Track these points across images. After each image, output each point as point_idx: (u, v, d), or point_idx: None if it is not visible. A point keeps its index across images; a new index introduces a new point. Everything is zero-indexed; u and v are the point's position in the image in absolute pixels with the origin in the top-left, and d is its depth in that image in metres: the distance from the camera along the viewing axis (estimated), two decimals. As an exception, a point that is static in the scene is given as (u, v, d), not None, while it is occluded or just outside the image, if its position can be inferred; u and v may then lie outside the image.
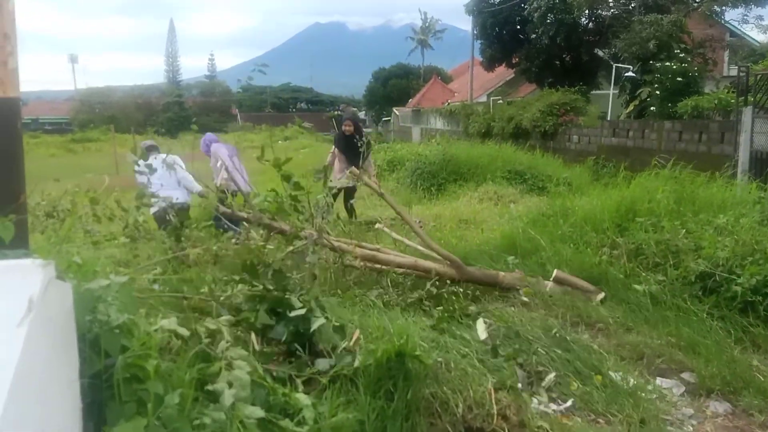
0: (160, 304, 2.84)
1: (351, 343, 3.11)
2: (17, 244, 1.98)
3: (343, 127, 8.78)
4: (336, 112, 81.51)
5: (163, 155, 6.09)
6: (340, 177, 8.64)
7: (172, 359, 2.34)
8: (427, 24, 74.10)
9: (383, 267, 5.03)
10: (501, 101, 28.17)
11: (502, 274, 4.98)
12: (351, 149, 8.41)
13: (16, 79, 1.92)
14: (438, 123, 35.63)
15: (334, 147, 9.13)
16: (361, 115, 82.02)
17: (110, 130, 30.42)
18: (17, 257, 1.82)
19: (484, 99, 33.18)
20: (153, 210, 5.79)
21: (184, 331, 2.54)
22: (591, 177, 12.71)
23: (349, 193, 8.77)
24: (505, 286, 4.88)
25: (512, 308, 4.59)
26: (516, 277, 4.92)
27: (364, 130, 9.21)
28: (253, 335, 3.22)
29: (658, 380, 3.73)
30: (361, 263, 4.96)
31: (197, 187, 7.04)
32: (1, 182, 1.93)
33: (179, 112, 69.28)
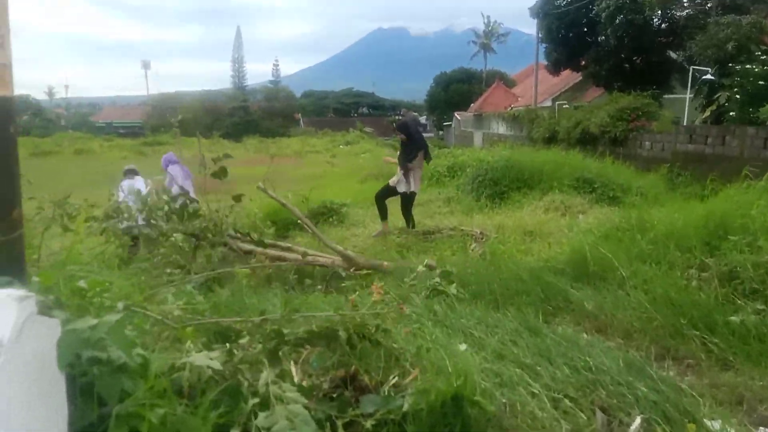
0: (186, 331, 2.52)
1: (406, 382, 2.73)
2: (10, 266, 1.69)
3: (398, 137, 8.64)
4: (396, 117, 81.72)
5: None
6: (396, 180, 8.43)
7: (192, 405, 2.01)
8: (489, 28, 73.01)
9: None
10: (567, 106, 27.22)
11: (386, 263, 5.72)
12: (404, 154, 8.38)
13: (8, 76, 1.64)
14: (500, 128, 34.83)
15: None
16: (422, 119, 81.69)
17: (177, 134, 31.08)
18: (-1, 286, 1.52)
19: (548, 104, 32.18)
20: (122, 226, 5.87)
21: (216, 365, 2.23)
22: (666, 186, 11.88)
23: (406, 201, 8.40)
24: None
25: (585, 335, 4.10)
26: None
27: (421, 135, 8.86)
28: (293, 365, 2.89)
29: (761, 431, 3.17)
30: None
31: None
32: None
33: (244, 117, 70.81)
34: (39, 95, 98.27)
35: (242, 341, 2.62)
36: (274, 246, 5.64)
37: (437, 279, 4.76)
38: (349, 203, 10.22)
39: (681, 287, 4.47)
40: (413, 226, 8.31)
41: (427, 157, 8.60)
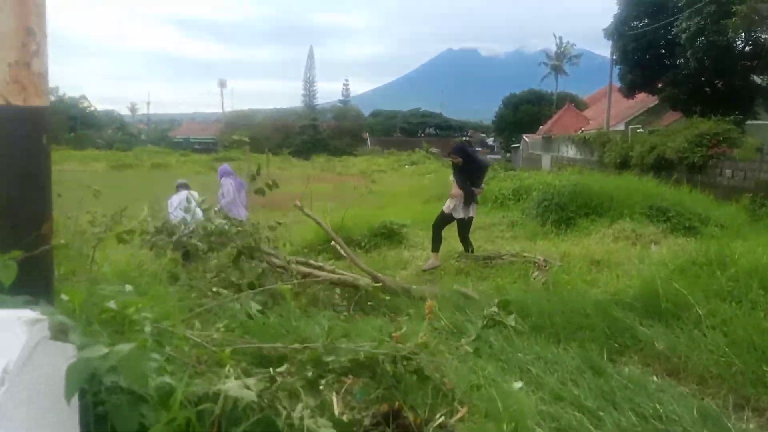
0: (224, 355, 2.42)
1: (453, 421, 2.54)
2: (37, 282, 1.62)
3: (452, 161, 8.19)
4: (464, 138, 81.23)
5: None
6: (452, 207, 8.04)
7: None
8: (562, 49, 71.78)
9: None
10: (641, 130, 26.25)
11: (415, 287, 5.68)
12: (462, 177, 8.02)
13: (44, 84, 1.59)
14: (570, 151, 33.97)
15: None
16: (489, 141, 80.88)
17: (246, 150, 31.89)
18: (15, 306, 1.45)
19: (621, 127, 31.16)
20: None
21: (251, 395, 2.12)
22: (748, 217, 11.14)
23: (464, 226, 8.13)
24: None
25: (655, 378, 3.78)
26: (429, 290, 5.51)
27: (479, 159, 8.59)
28: (335, 395, 2.75)
29: None
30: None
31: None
32: (21, 208, 1.59)
33: (313, 135, 72.14)
34: (123, 110, 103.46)
35: (281, 369, 2.50)
36: (306, 264, 5.60)
37: (495, 308, 4.53)
38: (409, 224, 10.06)
39: (764, 330, 4.07)
40: (472, 251, 8.04)
41: (480, 183, 8.22)
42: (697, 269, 5.38)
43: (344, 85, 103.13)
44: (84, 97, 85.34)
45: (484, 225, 11.64)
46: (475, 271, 7.27)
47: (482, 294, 5.38)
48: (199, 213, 7.41)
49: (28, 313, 1.35)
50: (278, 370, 2.49)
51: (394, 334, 2.66)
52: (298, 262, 5.50)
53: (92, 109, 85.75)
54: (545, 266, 6.89)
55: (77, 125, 77.00)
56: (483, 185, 8.42)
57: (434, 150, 59.76)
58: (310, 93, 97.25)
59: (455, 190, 7.99)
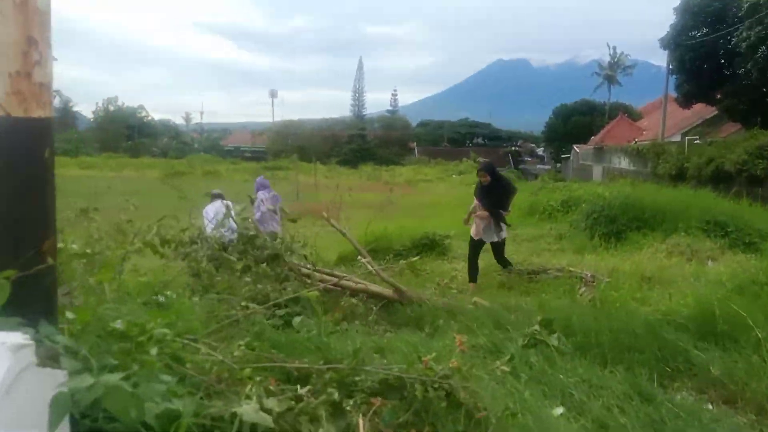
0: (244, 373, 2.32)
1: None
2: (37, 301, 1.55)
3: (479, 178, 7.73)
4: (513, 148, 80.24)
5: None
6: (481, 232, 7.55)
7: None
8: (615, 59, 70.20)
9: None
10: (698, 141, 25.33)
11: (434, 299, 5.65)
12: (490, 200, 7.52)
13: (46, 95, 1.52)
14: (622, 162, 33.06)
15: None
16: (539, 151, 79.61)
17: (294, 159, 32.43)
18: (10, 327, 1.37)
19: (677, 138, 30.14)
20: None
21: (267, 420, 2.02)
22: (814, 234, 10.48)
23: (497, 248, 7.69)
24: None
25: (710, 406, 3.50)
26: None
27: (508, 181, 8.20)
28: (361, 418, 2.61)
29: None
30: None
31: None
32: (21, 225, 1.52)
33: (361, 145, 72.57)
34: (178, 120, 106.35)
35: (304, 390, 2.38)
36: (331, 274, 5.54)
37: (536, 326, 4.32)
38: (452, 235, 9.86)
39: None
40: (511, 266, 7.70)
41: (507, 206, 7.70)
42: (757, 289, 5.05)
43: (392, 95, 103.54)
44: (142, 107, 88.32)
45: (531, 237, 11.34)
46: (518, 286, 7.04)
47: (524, 310, 5.16)
48: (233, 224, 7.48)
49: (14, 337, 1.27)
50: (300, 391, 2.37)
51: (423, 359, 2.49)
52: (322, 272, 5.44)
53: (149, 118, 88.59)
54: (592, 282, 6.60)
55: (135, 134, 79.61)
56: (509, 208, 7.85)
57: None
58: (358, 103, 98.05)
59: (481, 212, 7.53)
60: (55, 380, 1.31)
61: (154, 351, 1.61)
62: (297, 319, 3.91)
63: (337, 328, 3.94)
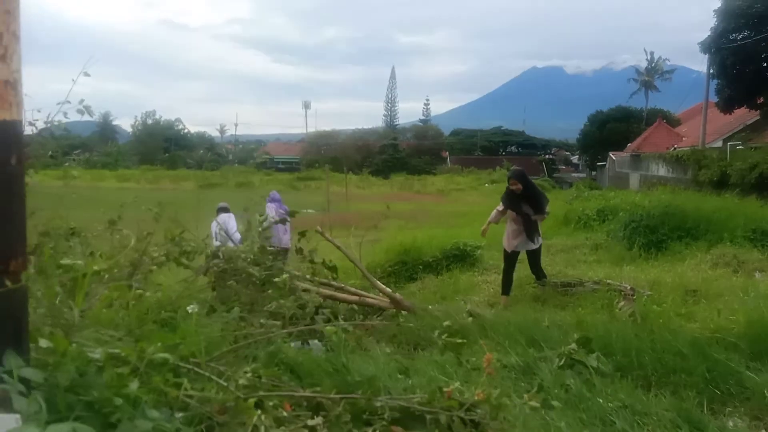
0: (247, 404, 2.12)
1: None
2: (7, 328, 1.38)
3: (510, 186, 7.30)
4: (547, 157, 79.17)
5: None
6: (516, 243, 7.23)
7: None
8: (653, 65, 68.83)
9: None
10: (741, 146, 24.48)
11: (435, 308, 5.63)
12: (526, 206, 7.18)
13: (12, 95, 1.35)
14: (660, 170, 32.21)
15: (501, 203, 7.61)
16: (574, 159, 78.41)
17: (326, 170, 32.48)
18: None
19: (718, 144, 29.20)
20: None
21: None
22: None
23: (535, 256, 7.36)
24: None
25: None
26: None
27: (539, 190, 7.68)
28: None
29: None
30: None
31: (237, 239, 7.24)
32: None
33: (393, 154, 72.54)
34: (213, 132, 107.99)
35: (314, 422, 2.17)
36: (327, 285, 5.49)
37: (573, 345, 4.03)
38: (484, 245, 9.56)
39: None
40: (545, 277, 7.37)
41: (543, 210, 7.33)
42: (815, 305, 4.66)
43: (425, 104, 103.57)
44: (179, 120, 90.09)
45: (566, 247, 10.95)
46: (552, 299, 6.71)
47: (559, 326, 4.87)
48: (237, 237, 7.39)
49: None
50: (311, 422, 2.16)
51: (446, 390, 2.26)
52: (321, 284, 5.34)
53: (186, 131, 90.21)
54: (632, 295, 6.23)
55: (171, 146, 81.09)
56: (547, 211, 7.53)
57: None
58: (391, 113, 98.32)
59: (513, 224, 7.25)
60: (6, 425, 1.13)
61: (134, 385, 1.42)
62: (315, 343, 3.72)
63: (361, 347, 3.73)
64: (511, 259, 7.28)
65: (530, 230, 7.16)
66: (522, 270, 7.65)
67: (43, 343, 1.42)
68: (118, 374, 1.44)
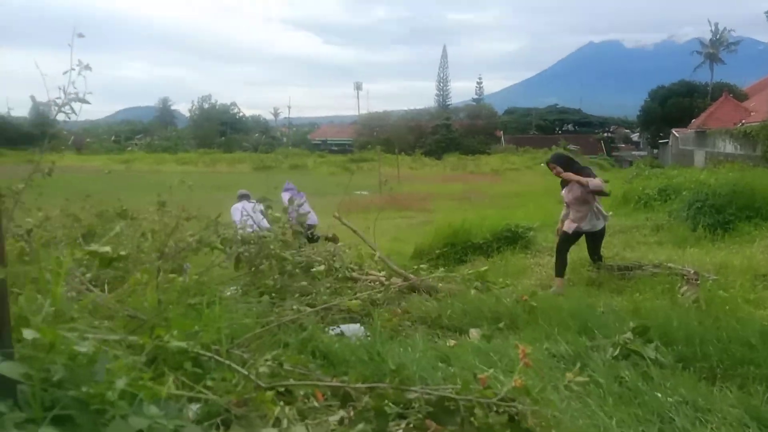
0: (266, 396, 1.99)
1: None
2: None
3: (553, 172, 6.76)
4: (606, 134, 76.74)
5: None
6: (579, 225, 6.63)
7: None
8: (718, 36, 65.44)
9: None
10: (817, 120, 23.00)
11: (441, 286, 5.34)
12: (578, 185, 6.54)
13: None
14: (727, 146, 30.68)
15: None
16: (634, 137, 75.71)
17: (378, 151, 32.38)
18: None
19: (790, 118, 27.52)
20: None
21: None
22: None
23: (597, 238, 6.82)
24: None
25: None
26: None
27: (588, 171, 6.80)
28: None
29: None
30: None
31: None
32: None
33: (446, 135, 71.80)
34: (267, 115, 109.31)
35: (336, 417, 2.03)
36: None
37: (629, 334, 3.76)
38: (536, 226, 9.22)
39: None
40: (601, 260, 6.92)
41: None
42: None
43: (477, 83, 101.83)
44: (234, 104, 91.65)
45: (624, 228, 10.47)
46: (609, 283, 6.36)
47: (615, 313, 4.58)
48: (264, 223, 7.53)
49: None
50: (333, 418, 2.01)
51: (480, 377, 2.07)
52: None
53: (241, 114, 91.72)
54: (696, 280, 5.83)
55: (227, 130, 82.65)
56: (606, 190, 6.86)
57: (572, 147, 57.04)
58: (443, 92, 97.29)
59: (572, 208, 6.69)
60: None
61: (121, 382, 1.28)
62: (354, 327, 3.58)
63: (398, 334, 3.58)
64: (570, 240, 6.78)
65: (591, 210, 6.61)
66: (577, 251, 7.31)
67: (28, 334, 1.30)
68: (107, 369, 1.32)
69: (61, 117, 3.37)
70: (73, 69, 2.99)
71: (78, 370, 1.32)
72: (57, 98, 3.24)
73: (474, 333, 4.33)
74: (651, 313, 4.42)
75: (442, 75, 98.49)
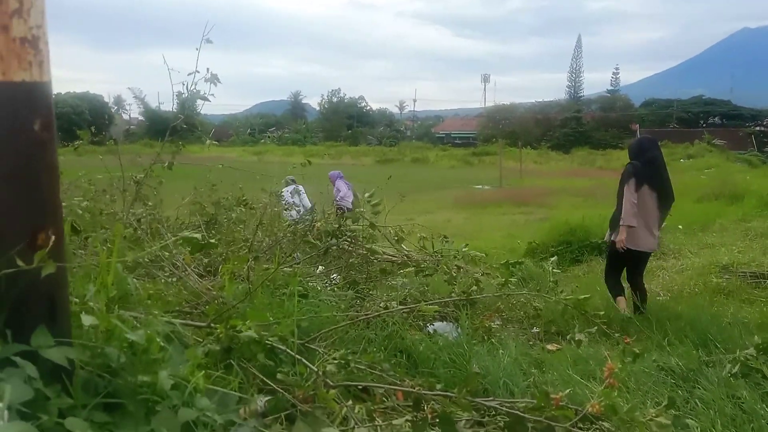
0: (328, 395, 1.99)
1: None
2: (37, 306, 1.34)
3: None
4: (757, 128, 69.86)
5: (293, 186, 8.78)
6: (644, 242, 5.18)
7: None
8: None
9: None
10: None
11: None
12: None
13: (32, 54, 1.24)
14: None
15: None
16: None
17: (500, 144, 31.76)
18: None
19: None
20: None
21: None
22: None
23: (641, 261, 5.35)
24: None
25: None
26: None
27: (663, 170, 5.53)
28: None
29: None
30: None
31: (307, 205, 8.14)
32: (7, 214, 1.29)
33: (576, 127, 68.92)
34: (393, 109, 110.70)
35: (398, 421, 1.98)
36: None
37: (752, 350, 3.38)
38: (664, 227, 8.54)
39: None
40: (641, 299, 5.16)
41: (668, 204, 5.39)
42: None
43: (613, 73, 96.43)
44: (362, 98, 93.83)
45: (765, 231, 9.45)
46: (739, 292, 5.77)
47: (741, 325, 4.14)
48: (306, 202, 8.23)
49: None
50: (396, 421, 1.97)
51: (554, 397, 1.93)
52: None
53: (368, 108, 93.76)
54: None
55: (354, 123, 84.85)
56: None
57: (717, 142, 52.45)
58: (575, 84, 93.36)
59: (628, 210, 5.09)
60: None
61: (164, 373, 1.32)
62: (443, 325, 3.51)
63: (490, 336, 3.45)
64: (614, 261, 5.35)
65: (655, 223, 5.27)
66: (709, 257, 6.71)
67: (87, 320, 1.36)
68: (153, 359, 1.36)
69: (201, 110, 3.65)
70: (202, 70, 3.24)
71: (134, 358, 1.38)
72: (191, 91, 3.48)
73: (581, 338, 4.10)
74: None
75: (574, 66, 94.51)
